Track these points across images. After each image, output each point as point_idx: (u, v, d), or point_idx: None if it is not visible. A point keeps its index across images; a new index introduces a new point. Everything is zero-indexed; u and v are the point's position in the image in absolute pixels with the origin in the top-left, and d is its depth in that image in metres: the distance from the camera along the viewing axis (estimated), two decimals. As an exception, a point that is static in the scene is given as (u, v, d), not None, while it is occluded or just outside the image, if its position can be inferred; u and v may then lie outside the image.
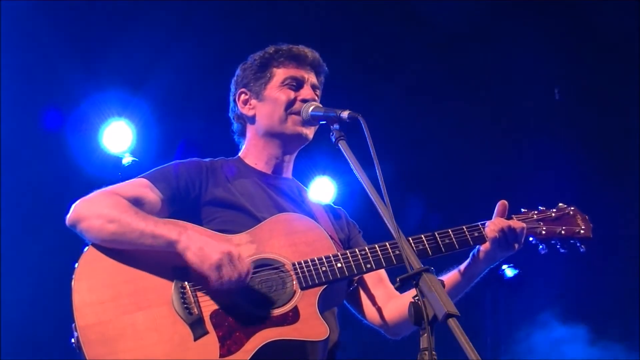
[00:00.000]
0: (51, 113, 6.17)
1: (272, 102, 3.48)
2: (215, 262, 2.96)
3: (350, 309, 3.54)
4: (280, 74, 3.52)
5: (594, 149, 7.20)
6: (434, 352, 2.34)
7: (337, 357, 3.32)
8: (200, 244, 3.01)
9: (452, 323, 2.28)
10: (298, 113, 3.42)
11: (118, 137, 6.30)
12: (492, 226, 3.26)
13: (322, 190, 6.81)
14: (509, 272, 7.51)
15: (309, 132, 3.47)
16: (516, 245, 3.27)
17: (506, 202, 3.34)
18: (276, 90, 3.49)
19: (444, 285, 2.43)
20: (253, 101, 3.55)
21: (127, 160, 6.28)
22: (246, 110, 3.57)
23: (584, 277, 7.22)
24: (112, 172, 6.15)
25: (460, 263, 3.38)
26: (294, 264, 3.12)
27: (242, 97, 3.59)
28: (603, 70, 7.07)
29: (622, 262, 7.17)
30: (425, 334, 2.36)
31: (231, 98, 3.65)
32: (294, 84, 3.49)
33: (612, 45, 6.99)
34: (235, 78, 3.65)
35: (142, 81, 6.28)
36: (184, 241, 3.02)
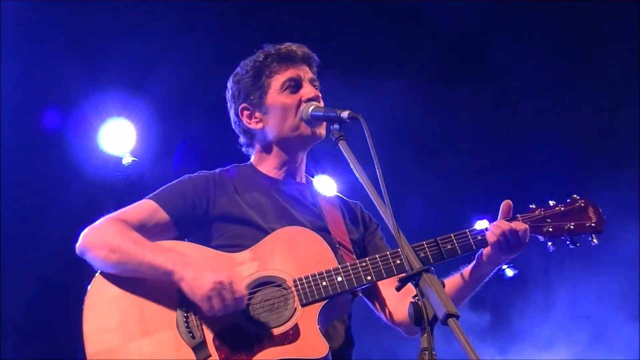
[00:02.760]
0: (51, 113, 6.17)
1: (280, 111, 3.41)
2: (206, 294, 2.97)
3: (371, 308, 3.49)
4: (276, 80, 3.44)
5: (596, 147, 7.19)
6: (434, 352, 2.34)
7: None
8: (194, 274, 3.01)
9: (452, 323, 2.28)
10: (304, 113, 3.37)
11: (118, 137, 6.29)
12: (494, 229, 3.17)
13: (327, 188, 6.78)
14: (509, 272, 7.51)
15: (322, 129, 3.41)
16: (519, 247, 3.19)
17: (510, 202, 3.26)
18: (278, 98, 3.42)
19: (444, 285, 2.42)
20: (258, 114, 3.47)
21: (127, 160, 6.28)
22: (254, 125, 3.48)
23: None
24: (112, 172, 6.15)
25: (467, 264, 3.33)
26: (295, 280, 3.10)
27: (246, 112, 3.49)
28: (603, 69, 7.06)
29: (622, 261, 7.16)
30: (425, 334, 2.36)
31: (232, 112, 3.57)
32: (293, 85, 3.43)
33: (613, 45, 6.99)
34: (231, 92, 3.55)
35: (142, 81, 6.28)
36: (179, 272, 3.03)
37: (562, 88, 7.14)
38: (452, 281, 3.29)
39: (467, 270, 3.32)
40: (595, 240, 3.27)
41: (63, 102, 6.19)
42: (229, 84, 3.58)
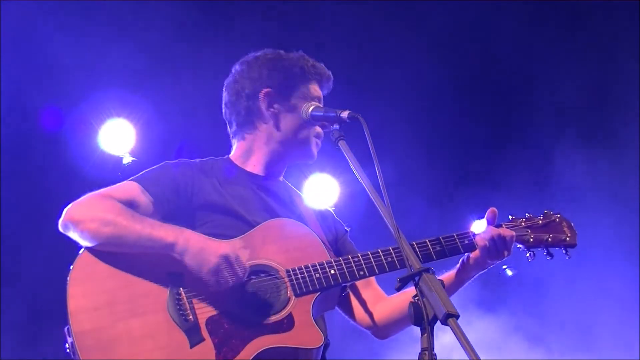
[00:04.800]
0: (51, 113, 6.17)
1: (302, 118, 3.40)
2: (214, 266, 2.96)
3: (339, 310, 3.53)
4: (314, 91, 3.46)
5: (596, 148, 7.17)
6: (434, 352, 2.34)
7: (327, 357, 3.31)
8: (198, 248, 3.00)
9: (452, 323, 2.28)
10: (318, 136, 3.45)
11: (118, 137, 6.30)
12: (483, 234, 3.29)
13: (323, 188, 6.78)
14: (509, 272, 7.51)
15: (316, 151, 3.49)
16: (505, 253, 3.30)
17: (496, 210, 3.36)
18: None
19: (444, 286, 2.43)
20: (277, 105, 3.44)
21: (127, 160, 6.28)
22: (269, 112, 3.45)
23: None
24: (112, 172, 6.15)
25: (449, 268, 3.41)
26: (287, 271, 3.11)
27: (267, 97, 3.45)
28: (602, 68, 7.04)
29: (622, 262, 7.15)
30: (425, 334, 2.36)
31: (248, 89, 3.47)
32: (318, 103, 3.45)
33: (612, 44, 6.99)
34: (257, 70, 3.48)
35: (142, 81, 6.28)
36: (182, 244, 3.01)
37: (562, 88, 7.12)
38: None
39: (449, 274, 3.39)
40: (568, 254, 3.42)
41: (63, 102, 6.19)
42: (255, 62, 3.51)
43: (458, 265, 3.37)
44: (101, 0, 6.19)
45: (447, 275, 3.38)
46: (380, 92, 7.01)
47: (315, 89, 3.47)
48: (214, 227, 3.22)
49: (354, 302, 3.50)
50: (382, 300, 3.46)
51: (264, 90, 3.45)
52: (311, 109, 3.32)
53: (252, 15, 6.56)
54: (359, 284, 3.46)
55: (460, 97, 7.20)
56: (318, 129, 3.45)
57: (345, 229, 3.63)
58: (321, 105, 3.38)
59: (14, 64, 5.93)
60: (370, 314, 3.45)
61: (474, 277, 3.38)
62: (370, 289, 3.50)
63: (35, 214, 6.10)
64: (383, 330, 3.47)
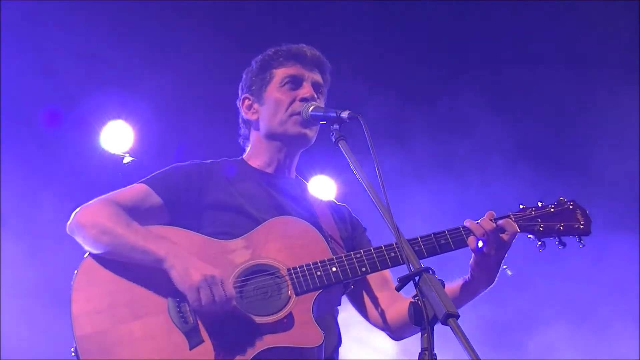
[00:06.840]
0: (51, 113, 6.17)
1: (273, 104, 3.47)
2: (195, 284, 2.95)
3: (355, 309, 3.51)
4: (279, 74, 3.50)
5: (600, 140, 7.14)
6: (434, 352, 2.34)
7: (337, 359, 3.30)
8: (185, 264, 3.00)
9: (452, 323, 2.28)
10: (299, 113, 3.40)
11: (118, 137, 6.30)
12: (476, 229, 3.13)
13: (323, 188, 6.77)
14: (509, 272, 7.50)
15: (311, 132, 3.44)
16: (505, 237, 3.13)
17: (493, 213, 3.21)
18: (275, 92, 3.48)
19: (443, 285, 2.43)
20: (255, 105, 3.54)
21: (127, 160, 6.28)
22: (250, 115, 3.56)
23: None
24: (111, 172, 6.15)
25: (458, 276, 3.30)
26: (289, 269, 3.10)
27: (246, 102, 3.58)
28: (602, 64, 7.03)
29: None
30: (425, 334, 2.36)
31: (237, 105, 3.65)
32: (293, 83, 3.47)
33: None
34: (240, 84, 3.65)
35: (142, 81, 6.28)
36: (170, 260, 3.01)
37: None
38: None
39: (460, 283, 3.26)
40: (582, 242, 3.28)
41: (63, 102, 6.19)
42: (242, 76, 3.67)
43: (468, 274, 3.22)
44: (101, 0, 6.19)
45: (456, 286, 3.25)
46: (379, 91, 7.01)
47: (283, 71, 3.50)
48: (222, 226, 3.24)
49: (370, 302, 3.45)
50: (398, 301, 3.37)
51: (242, 98, 3.61)
52: (311, 108, 3.32)
53: (251, 14, 6.56)
54: (375, 283, 3.42)
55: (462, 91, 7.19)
56: (295, 105, 3.43)
57: (364, 227, 3.61)
58: (321, 105, 3.38)
59: (14, 64, 5.93)
60: (386, 315, 3.39)
61: (487, 282, 3.22)
62: (386, 288, 3.43)
63: (36, 215, 6.10)
64: (398, 332, 3.40)
